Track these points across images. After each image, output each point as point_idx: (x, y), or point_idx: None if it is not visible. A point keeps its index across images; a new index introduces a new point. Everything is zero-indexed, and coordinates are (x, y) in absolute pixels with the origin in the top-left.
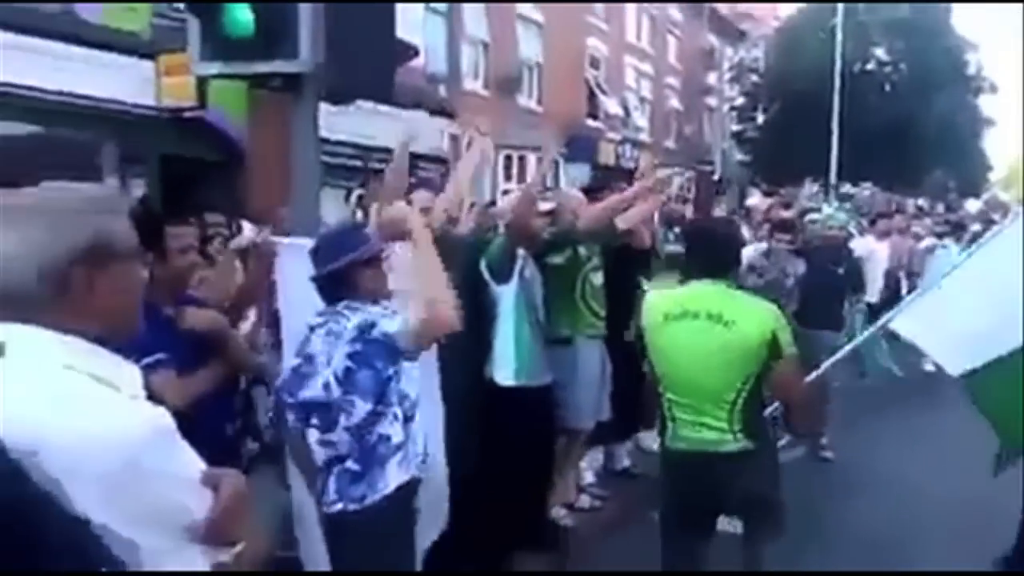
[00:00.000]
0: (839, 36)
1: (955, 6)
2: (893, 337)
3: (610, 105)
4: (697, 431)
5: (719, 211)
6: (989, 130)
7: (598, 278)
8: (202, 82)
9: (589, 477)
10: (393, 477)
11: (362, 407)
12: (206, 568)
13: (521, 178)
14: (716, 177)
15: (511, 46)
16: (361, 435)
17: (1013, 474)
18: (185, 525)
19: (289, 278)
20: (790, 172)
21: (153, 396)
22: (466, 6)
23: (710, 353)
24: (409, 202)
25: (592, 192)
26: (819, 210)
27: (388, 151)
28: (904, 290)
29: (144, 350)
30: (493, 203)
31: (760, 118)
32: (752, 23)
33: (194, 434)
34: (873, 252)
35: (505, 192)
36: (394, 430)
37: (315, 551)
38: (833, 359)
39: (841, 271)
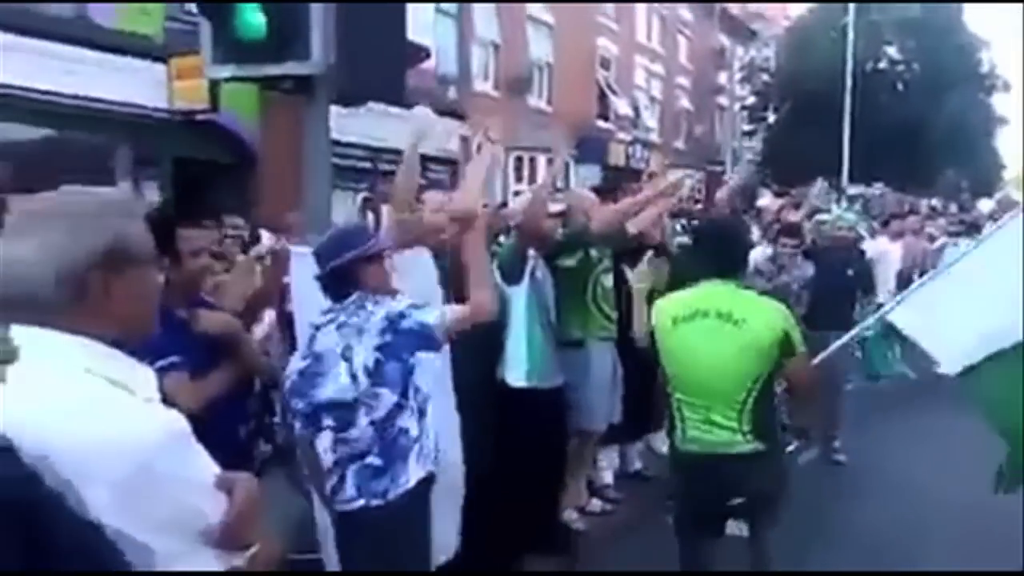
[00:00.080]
0: (850, 35)
1: (967, 4)
2: (904, 340)
3: (620, 105)
4: (707, 432)
5: (724, 195)
6: (1002, 129)
7: (609, 280)
8: (214, 85)
9: (608, 478)
10: (414, 471)
11: (388, 399)
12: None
13: (532, 179)
14: (726, 177)
15: (521, 47)
16: (384, 428)
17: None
18: (200, 529)
19: (302, 283)
20: (801, 172)
21: (167, 399)
22: (476, 7)
23: (720, 352)
24: (421, 203)
25: (603, 193)
26: (828, 210)
27: (399, 153)
28: None
29: (158, 352)
30: (504, 204)
31: (771, 118)
32: (763, 23)
33: (207, 437)
34: (886, 253)
35: (516, 193)
36: (411, 423)
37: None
38: (838, 344)
39: (851, 272)
